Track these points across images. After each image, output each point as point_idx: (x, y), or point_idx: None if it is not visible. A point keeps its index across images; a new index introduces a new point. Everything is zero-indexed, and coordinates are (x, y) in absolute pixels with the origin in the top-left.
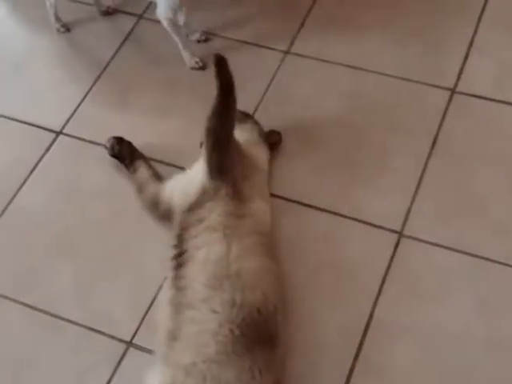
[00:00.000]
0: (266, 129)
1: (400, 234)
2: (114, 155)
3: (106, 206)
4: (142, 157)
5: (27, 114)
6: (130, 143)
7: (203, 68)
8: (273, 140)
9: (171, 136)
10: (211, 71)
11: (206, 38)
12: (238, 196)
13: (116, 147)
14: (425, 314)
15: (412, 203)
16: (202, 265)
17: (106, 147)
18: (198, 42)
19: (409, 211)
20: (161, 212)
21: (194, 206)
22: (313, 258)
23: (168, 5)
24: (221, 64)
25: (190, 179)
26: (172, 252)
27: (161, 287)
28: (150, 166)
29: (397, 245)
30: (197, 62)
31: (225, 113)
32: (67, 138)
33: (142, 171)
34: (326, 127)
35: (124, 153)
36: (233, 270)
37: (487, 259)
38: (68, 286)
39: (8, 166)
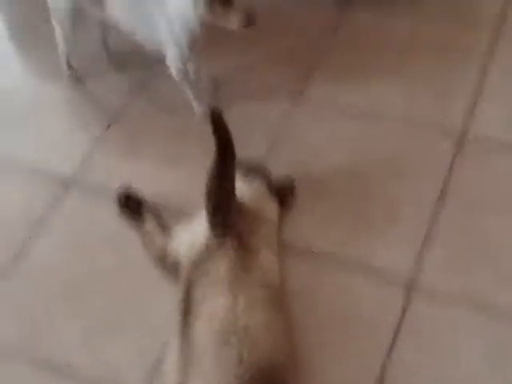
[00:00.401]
0: (276, 177)
1: (411, 285)
2: (122, 207)
3: (114, 255)
4: (149, 208)
5: (37, 162)
6: (137, 195)
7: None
8: (286, 193)
9: (180, 184)
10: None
11: (215, 86)
12: (243, 248)
13: (124, 199)
14: (438, 367)
15: (422, 254)
16: (209, 319)
17: (114, 200)
18: (208, 90)
19: (419, 262)
20: (168, 265)
21: (199, 260)
22: (322, 311)
23: (178, 55)
24: (217, 121)
25: (195, 232)
26: (179, 306)
27: (169, 341)
28: (158, 217)
29: (408, 297)
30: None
31: (223, 174)
32: (77, 185)
33: (150, 223)
34: (335, 175)
35: (132, 205)
36: (240, 325)
37: (500, 311)
38: (76, 337)
39: (17, 213)
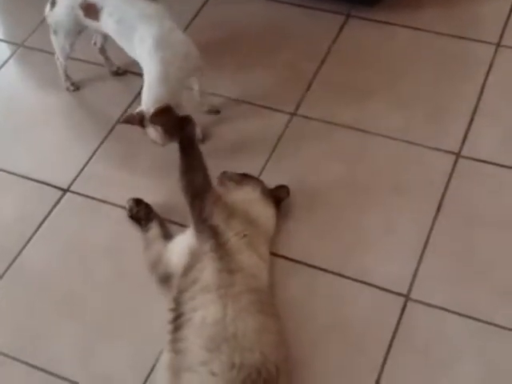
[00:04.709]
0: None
1: (406, 297)
2: (131, 216)
3: (110, 265)
4: (157, 218)
5: (35, 172)
6: (147, 205)
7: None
8: (280, 195)
9: (177, 194)
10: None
11: (217, 110)
12: (223, 248)
13: (134, 209)
14: (432, 380)
15: (418, 266)
16: (199, 327)
17: (125, 208)
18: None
19: (415, 274)
20: (159, 273)
21: (187, 269)
22: (318, 321)
23: None
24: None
25: (182, 243)
26: (169, 315)
27: (162, 349)
28: (163, 227)
29: (403, 308)
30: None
31: (191, 166)
32: (74, 195)
33: (154, 231)
34: (331, 189)
35: (141, 214)
36: (230, 331)
37: (495, 325)
38: (71, 346)
39: (13, 223)
